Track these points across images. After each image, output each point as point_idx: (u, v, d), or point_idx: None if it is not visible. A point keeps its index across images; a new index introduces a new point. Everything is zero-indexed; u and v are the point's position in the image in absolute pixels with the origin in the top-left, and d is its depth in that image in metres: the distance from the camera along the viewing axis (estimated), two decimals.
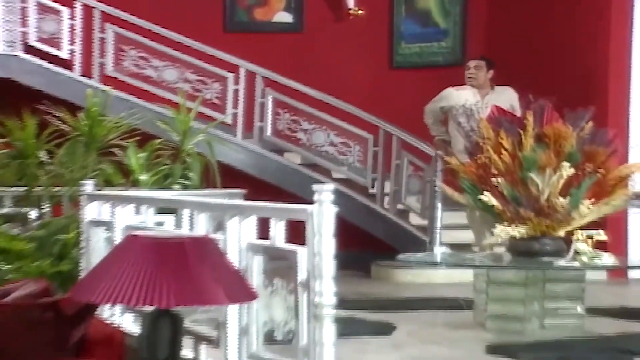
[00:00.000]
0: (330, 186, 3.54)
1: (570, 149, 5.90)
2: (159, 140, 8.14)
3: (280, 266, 3.95)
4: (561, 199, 5.86)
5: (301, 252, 3.64)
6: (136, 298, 3.52)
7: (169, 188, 7.67)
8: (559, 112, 6.09)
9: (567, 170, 5.80)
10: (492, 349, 5.31)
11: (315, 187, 3.54)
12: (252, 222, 4.18)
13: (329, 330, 3.49)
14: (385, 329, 5.99)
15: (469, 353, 5.32)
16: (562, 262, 5.87)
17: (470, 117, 7.71)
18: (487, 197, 5.91)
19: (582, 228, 6.01)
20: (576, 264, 5.89)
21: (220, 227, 4.53)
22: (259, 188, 8.47)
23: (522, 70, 10.32)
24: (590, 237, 5.90)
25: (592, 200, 6.00)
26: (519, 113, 7.56)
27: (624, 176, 6.17)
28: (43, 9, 10.46)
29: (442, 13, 12.12)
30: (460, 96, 8.90)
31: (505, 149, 5.87)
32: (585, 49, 10.21)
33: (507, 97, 8.60)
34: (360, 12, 12.04)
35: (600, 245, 6.02)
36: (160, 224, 5.45)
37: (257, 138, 10.66)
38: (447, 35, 12.19)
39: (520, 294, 5.94)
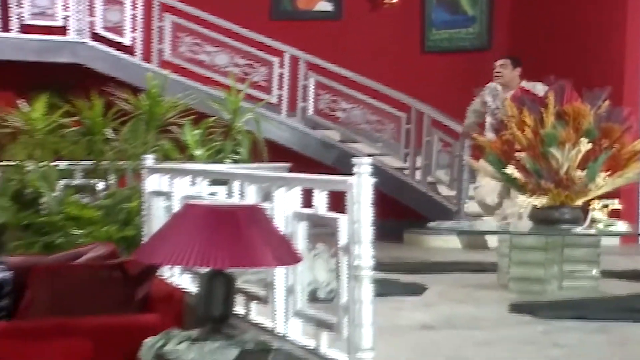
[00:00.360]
0: (368, 160, 3.53)
1: (588, 126, 5.85)
2: (212, 119, 8.16)
3: (322, 232, 3.95)
4: (579, 172, 5.84)
5: (342, 219, 3.64)
6: (194, 260, 3.54)
7: (221, 162, 7.70)
8: (578, 92, 6.04)
9: (585, 145, 5.77)
10: (515, 308, 5.29)
11: (354, 160, 3.53)
12: (296, 192, 4.18)
13: (367, 289, 3.49)
14: (417, 290, 5.98)
15: (493, 311, 5.30)
16: (579, 229, 5.86)
17: (496, 97, 7.59)
18: (511, 170, 5.90)
19: (598, 198, 5.97)
20: (592, 230, 5.87)
21: (267, 197, 4.54)
22: (302, 162, 8.46)
23: (545, 54, 10.23)
24: (606, 206, 5.85)
25: (608, 172, 5.97)
26: (497, 101, 7.69)
27: (637, 151, 6.10)
28: (108, 0, 10.51)
29: (470, 1, 12.03)
30: (490, 92, 8.58)
31: (528, 126, 5.83)
32: (604, 34, 10.12)
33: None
34: (394, 1, 11.98)
35: (614, 214, 5.98)
36: (213, 194, 5.48)
37: (300, 117, 10.68)
38: (475, 22, 12.09)
39: (541, 258, 5.92)
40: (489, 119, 7.84)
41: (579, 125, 5.83)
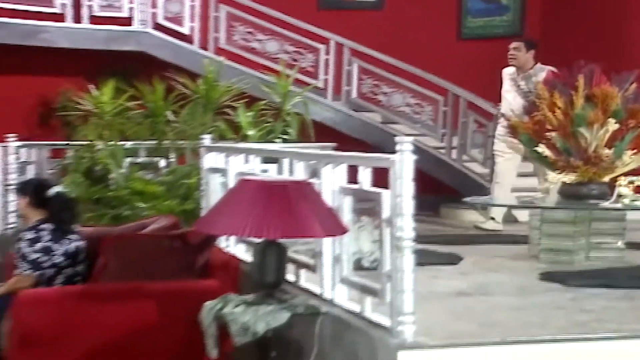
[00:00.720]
0: (409, 139, 3.53)
1: (616, 107, 5.78)
2: (263, 102, 8.19)
3: (366, 206, 3.96)
4: (606, 150, 5.78)
5: (385, 194, 3.64)
6: (249, 231, 3.58)
7: (271, 141, 7.73)
8: (606, 76, 5.96)
9: (612, 125, 5.71)
10: (545, 276, 5.26)
11: (397, 139, 3.53)
12: (342, 169, 4.19)
13: (408, 259, 3.49)
14: (453, 259, 5.96)
15: (525, 279, 5.28)
16: (606, 204, 5.80)
17: (529, 80, 7.50)
18: (542, 148, 5.86)
19: (624, 175, 5.91)
20: (618, 205, 5.81)
21: (314, 173, 4.56)
22: (346, 142, 8.44)
23: (575, 40, 10.12)
24: (631, 182, 5.80)
25: (634, 151, 5.91)
26: (530, 84, 7.43)
27: None
28: None
29: None
30: (505, 77, 8.34)
31: (559, 108, 5.77)
32: (634, 19, 9.96)
33: (542, 75, 7.65)
34: None
35: (639, 189, 5.92)
36: (265, 171, 5.50)
37: (344, 100, 10.64)
38: (508, 11, 11.99)
39: (569, 231, 5.87)
40: (520, 101, 7.73)
41: (607, 106, 5.76)
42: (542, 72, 7.68)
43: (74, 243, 4.90)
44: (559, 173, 5.81)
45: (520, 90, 7.36)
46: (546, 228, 5.95)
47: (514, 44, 8.17)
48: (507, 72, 8.25)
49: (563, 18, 11.02)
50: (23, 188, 5.29)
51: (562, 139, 5.80)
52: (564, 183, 5.87)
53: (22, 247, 4.86)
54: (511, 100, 7.92)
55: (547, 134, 5.88)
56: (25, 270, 4.80)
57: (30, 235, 4.87)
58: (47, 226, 4.89)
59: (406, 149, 3.47)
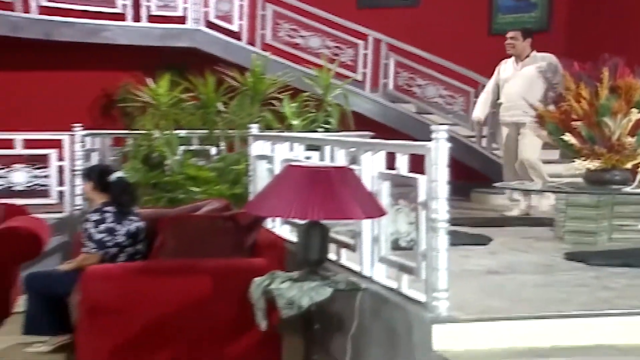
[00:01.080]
0: (445, 127, 3.52)
1: (638, 98, 5.70)
2: (306, 94, 8.18)
3: (403, 191, 3.95)
4: (629, 138, 5.70)
5: (421, 179, 3.63)
6: (294, 213, 3.59)
7: (314, 131, 7.71)
8: (630, 69, 5.86)
9: (635, 115, 5.63)
10: (569, 256, 5.22)
11: (433, 128, 3.52)
12: (381, 156, 4.19)
13: (443, 239, 3.49)
14: (483, 240, 5.93)
15: (550, 259, 5.23)
16: (627, 189, 5.73)
17: (556, 73, 7.18)
18: (568, 137, 5.79)
19: None
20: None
21: (354, 160, 4.56)
22: (383, 131, 8.42)
23: (600, 35, 9.97)
24: None
25: None
26: (557, 76, 6.96)
27: None
28: None
29: None
30: (501, 67, 7.95)
31: (584, 99, 5.70)
32: None
33: (542, 63, 7.46)
34: None
35: None
36: (308, 158, 5.50)
37: (381, 92, 10.62)
38: (536, 8, 11.85)
39: (593, 214, 5.82)
40: (518, 89, 7.48)
41: (630, 97, 5.68)
42: (544, 60, 7.48)
43: (134, 224, 4.95)
44: (584, 160, 5.75)
45: (548, 82, 7.21)
46: (571, 211, 5.90)
47: (510, 33, 7.83)
48: (506, 63, 7.91)
49: (588, 14, 10.86)
50: (88, 173, 5.35)
51: (587, 128, 5.72)
52: (588, 169, 5.80)
53: (88, 228, 4.93)
54: (512, 88, 7.65)
55: (573, 123, 5.81)
56: (91, 249, 4.88)
57: (95, 217, 4.93)
58: (110, 208, 4.95)
59: (441, 137, 3.47)
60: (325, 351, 4.25)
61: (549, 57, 7.49)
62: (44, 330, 4.93)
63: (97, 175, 5.16)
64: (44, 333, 4.94)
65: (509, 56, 7.87)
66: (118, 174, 5.18)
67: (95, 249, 4.86)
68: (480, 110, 8.12)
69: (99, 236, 4.88)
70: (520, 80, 7.56)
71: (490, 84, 8.09)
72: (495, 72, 7.99)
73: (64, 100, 10.23)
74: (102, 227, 4.89)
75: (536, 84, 7.30)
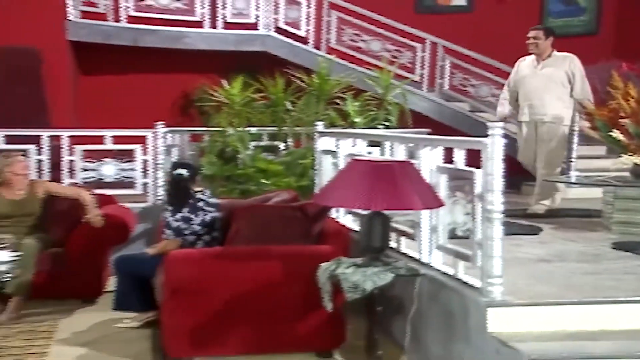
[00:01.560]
0: (500, 124, 3.47)
1: None
2: (368, 93, 8.14)
3: (460, 184, 3.91)
4: None
5: (478, 172, 3.60)
6: (358, 203, 3.59)
7: (375, 127, 7.69)
8: None
9: None
10: (617, 246, 5.11)
11: (489, 124, 3.48)
12: (439, 151, 4.15)
13: (497, 229, 3.45)
14: (534, 230, 5.84)
15: (598, 248, 5.12)
16: None
17: (574, 76, 6.90)
18: (616, 134, 5.65)
19: None
20: None
21: (412, 155, 4.53)
22: (439, 128, 8.34)
23: None
24: None
25: None
26: (577, 77, 6.81)
27: None
28: (289, 1, 10.56)
29: None
30: (520, 65, 7.32)
31: (632, 97, 5.55)
32: None
33: (563, 63, 6.98)
34: None
35: None
36: (369, 152, 5.48)
37: (437, 91, 10.53)
38: (585, 12, 11.57)
39: None
40: (537, 84, 7.00)
41: None
42: (565, 60, 6.98)
43: (210, 214, 4.99)
44: (631, 155, 5.60)
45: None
46: (619, 204, 5.78)
47: (533, 32, 7.17)
48: (525, 61, 7.27)
49: (637, 17, 10.56)
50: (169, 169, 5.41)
51: (635, 125, 5.57)
52: (635, 164, 5.65)
53: (167, 217, 5.00)
54: (532, 86, 7.08)
55: (621, 120, 5.67)
56: (169, 236, 4.95)
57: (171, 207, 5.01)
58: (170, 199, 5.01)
59: (497, 133, 3.42)
60: (386, 332, 4.24)
61: (571, 58, 7.02)
62: (132, 307, 5.02)
63: (169, 169, 5.24)
64: (132, 310, 5.03)
65: (529, 54, 7.26)
66: (179, 170, 5.08)
67: (173, 236, 4.93)
68: (504, 106, 7.44)
69: (175, 224, 4.94)
70: (541, 80, 7.00)
71: (509, 82, 7.48)
72: (514, 70, 7.43)
73: (148, 101, 10.39)
74: (178, 216, 4.95)
75: (556, 84, 6.90)
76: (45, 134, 7.59)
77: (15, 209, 5.63)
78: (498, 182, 3.43)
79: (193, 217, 4.94)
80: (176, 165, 5.24)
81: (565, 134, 7.01)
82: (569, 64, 6.92)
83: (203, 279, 4.18)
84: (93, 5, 10.00)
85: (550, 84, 6.89)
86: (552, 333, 3.44)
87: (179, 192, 5.04)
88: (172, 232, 4.95)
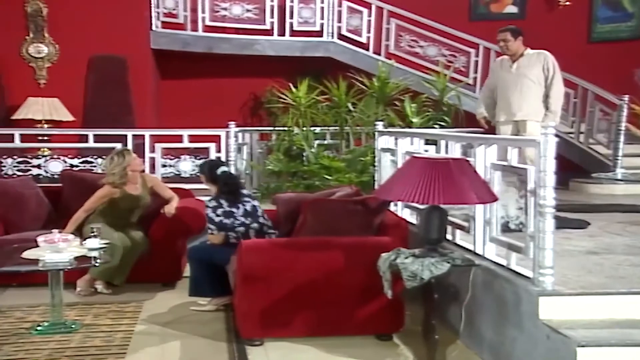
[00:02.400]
0: (553, 124, 3.41)
1: None
2: (425, 95, 8.13)
3: (513, 180, 3.86)
4: None
5: (530, 169, 3.55)
6: (417, 197, 3.57)
7: (431, 127, 7.65)
8: None
9: None
10: None
11: (542, 124, 3.42)
12: (493, 149, 4.10)
13: (549, 222, 3.40)
14: (582, 224, 5.72)
15: None
16: None
17: (550, 70, 6.34)
18: None
19: None
20: None
21: (465, 153, 4.48)
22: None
23: None
24: None
25: None
26: (551, 73, 6.29)
27: None
28: (351, 10, 10.60)
29: (630, 0, 11.22)
30: (495, 66, 6.81)
31: None
32: None
33: (537, 60, 6.40)
34: (567, 3, 11.38)
35: None
36: (426, 150, 5.44)
37: None
38: (633, 17, 11.25)
39: None
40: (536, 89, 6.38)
41: None
42: (539, 57, 6.43)
43: (249, 204, 5.02)
44: None
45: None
46: None
47: (501, 35, 6.58)
48: (500, 61, 6.70)
49: None
50: (201, 168, 5.39)
51: None
52: None
53: (208, 213, 4.99)
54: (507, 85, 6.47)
55: None
56: (213, 231, 4.97)
57: (212, 203, 5.00)
58: (224, 195, 5.02)
59: (550, 132, 3.37)
60: (442, 318, 4.22)
61: (545, 54, 6.44)
62: (206, 292, 5.08)
63: (207, 169, 5.20)
64: (206, 295, 5.10)
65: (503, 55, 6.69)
66: (223, 168, 5.17)
67: (216, 230, 4.95)
68: (481, 107, 6.82)
69: (217, 219, 4.94)
70: (515, 79, 6.41)
71: (487, 83, 6.90)
72: (491, 71, 6.90)
73: (221, 103, 10.55)
74: (220, 211, 4.95)
75: (531, 83, 6.33)
76: (129, 133, 7.78)
77: (136, 203, 5.77)
78: (550, 178, 3.37)
79: (234, 209, 4.96)
80: (217, 164, 5.29)
81: None
82: (544, 60, 6.39)
83: (272, 267, 4.22)
84: (173, 16, 10.21)
85: (525, 83, 6.35)
86: (600, 321, 3.38)
87: (232, 187, 5.07)
88: (213, 227, 4.96)
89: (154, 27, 10.06)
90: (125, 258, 5.47)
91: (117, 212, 5.67)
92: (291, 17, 10.46)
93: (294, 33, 10.46)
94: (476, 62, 10.32)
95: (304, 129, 7.80)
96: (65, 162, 7.89)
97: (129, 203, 5.72)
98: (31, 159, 8.00)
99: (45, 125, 9.11)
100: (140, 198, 5.79)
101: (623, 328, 3.31)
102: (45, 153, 8.34)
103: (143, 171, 6.08)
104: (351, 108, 8.08)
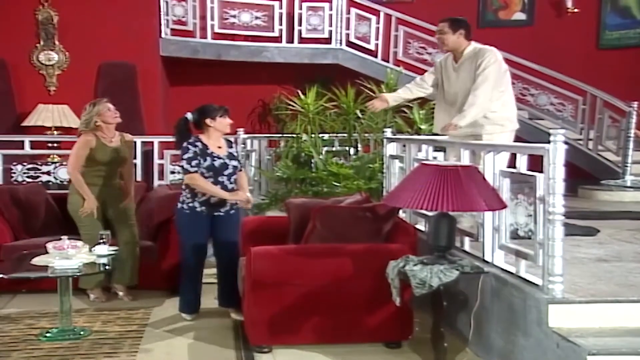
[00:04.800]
0: (562, 131, 3.40)
1: None
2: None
3: (522, 186, 3.84)
4: None
5: (539, 176, 3.53)
6: (426, 204, 3.55)
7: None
8: None
9: None
10: None
11: (552, 131, 3.41)
12: (502, 156, 4.09)
13: (559, 230, 3.38)
14: (591, 231, 5.69)
15: None
16: None
17: (484, 68, 5.08)
18: None
19: None
20: None
21: (473, 160, 4.46)
22: None
23: None
24: None
25: None
26: (480, 70, 5.02)
27: None
28: (359, 17, 10.61)
29: (639, 7, 11.19)
30: (438, 65, 5.55)
31: None
32: None
33: (473, 61, 5.17)
34: (575, 10, 11.35)
35: None
36: (434, 157, 5.42)
37: None
38: None
39: None
40: (454, 89, 5.33)
41: None
42: (483, 54, 5.19)
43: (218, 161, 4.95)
44: None
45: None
46: None
47: (439, 26, 5.34)
48: (444, 59, 5.48)
49: None
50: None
51: None
52: None
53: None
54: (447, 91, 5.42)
55: None
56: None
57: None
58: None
59: (559, 139, 3.36)
60: (451, 325, 4.20)
61: (482, 52, 5.22)
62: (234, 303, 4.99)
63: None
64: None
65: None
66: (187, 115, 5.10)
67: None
68: (395, 95, 5.74)
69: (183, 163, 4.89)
70: (455, 84, 5.33)
71: (428, 77, 5.60)
72: (435, 67, 5.65)
73: (230, 109, 10.53)
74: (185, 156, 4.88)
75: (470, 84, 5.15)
76: (138, 140, 7.80)
77: (113, 155, 5.56)
78: (559, 185, 3.36)
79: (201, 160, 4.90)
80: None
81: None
82: (478, 59, 5.14)
83: (281, 273, 4.21)
84: (183, 23, 10.24)
85: (464, 89, 5.16)
86: (611, 329, 3.35)
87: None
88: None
89: (163, 35, 10.09)
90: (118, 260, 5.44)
91: (96, 167, 5.50)
92: (300, 24, 10.48)
93: (302, 40, 10.49)
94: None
95: (313, 135, 7.78)
96: None
97: (105, 155, 5.51)
98: (41, 165, 8.03)
99: (55, 132, 9.14)
100: (118, 150, 5.59)
101: (634, 336, 3.28)
102: (55, 160, 8.37)
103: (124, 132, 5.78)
104: (359, 115, 8.05)
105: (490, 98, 5.03)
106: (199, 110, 5.13)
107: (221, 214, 4.99)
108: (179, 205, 5.01)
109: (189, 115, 5.12)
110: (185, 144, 4.93)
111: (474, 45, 5.30)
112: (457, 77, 5.30)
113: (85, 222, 5.40)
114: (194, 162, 4.86)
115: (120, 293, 5.58)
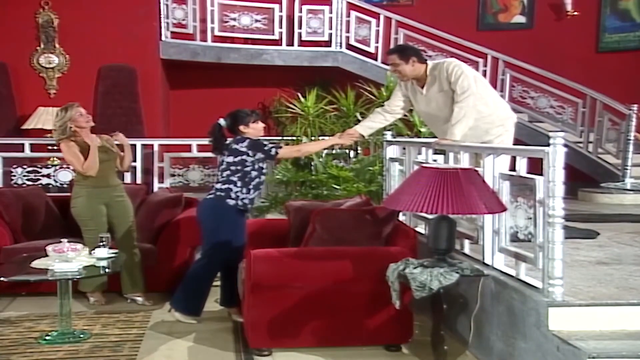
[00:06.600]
0: (562, 134, 3.40)
1: None
2: None
3: (522, 189, 3.84)
4: None
5: (539, 179, 3.52)
6: (426, 207, 3.55)
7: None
8: None
9: None
10: None
11: (551, 134, 3.40)
12: (502, 159, 4.08)
13: (558, 233, 3.38)
14: (591, 234, 5.68)
15: None
16: None
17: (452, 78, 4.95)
18: None
19: None
20: None
21: (475, 163, 4.46)
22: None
23: None
24: None
25: None
26: (453, 79, 4.89)
27: None
28: (359, 20, 10.61)
29: (638, 10, 11.19)
30: (402, 86, 5.38)
31: None
32: None
33: (440, 77, 5.03)
34: (575, 13, 11.36)
35: None
36: (434, 160, 5.41)
37: None
38: None
39: None
40: (424, 108, 5.28)
41: None
42: (441, 71, 5.03)
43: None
44: None
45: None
46: None
47: (390, 59, 5.20)
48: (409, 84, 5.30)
49: None
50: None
51: None
52: None
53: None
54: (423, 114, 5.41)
55: None
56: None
57: None
58: None
59: (558, 142, 3.35)
60: (451, 328, 4.19)
61: (440, 67, 5.07)
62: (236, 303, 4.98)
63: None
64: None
65: None
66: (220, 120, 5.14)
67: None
68: (367, 126, 5.54)
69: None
70: (428, 106, 5.20)
71: (396, 100, 5.44)
72: (400, 86, 5.44)
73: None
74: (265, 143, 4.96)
75: (444, 107, 5.06)
76: (139, 143, 7.80)
77: (102, 154, 5.45)
78: (559, 188, 3.35)
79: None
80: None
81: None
82: (445, 75, 5.01)
83: (281, 276, 4.20)
84: (183, 26, 10.25)
85: (441, 108, 5.11)
86: (611, 332, 3.35)
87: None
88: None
89: (163, 38, 10.10)
90: (127, 269, 5.44)
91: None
92: (300, 27, 10.48)
93: (302, 43, 10.49)
94: (484, 71, 10.28)
95: (312, 138, 7.78)
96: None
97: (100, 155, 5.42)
98: (41, 168, 8.03)
99: None
100: (104, 148, 5.49)
101: (634, 339, 3.28)
102: (55, 162, 8.37)
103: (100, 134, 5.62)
104: (359, 118, 8.04)
105: (475, 105, 4.95)
106: (232, 117, 5.14)
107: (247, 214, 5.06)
108: (230, 201, 4.83)
109: (222, 122, 5.15)
110: (252, 141, 4.93)
111: (431, 64, 5.15)
112: (427, 101, 5.17)
113: (90, 226, 5.38)
114: (270, 144, 4.92)
115: (140, 299, 5.54)
